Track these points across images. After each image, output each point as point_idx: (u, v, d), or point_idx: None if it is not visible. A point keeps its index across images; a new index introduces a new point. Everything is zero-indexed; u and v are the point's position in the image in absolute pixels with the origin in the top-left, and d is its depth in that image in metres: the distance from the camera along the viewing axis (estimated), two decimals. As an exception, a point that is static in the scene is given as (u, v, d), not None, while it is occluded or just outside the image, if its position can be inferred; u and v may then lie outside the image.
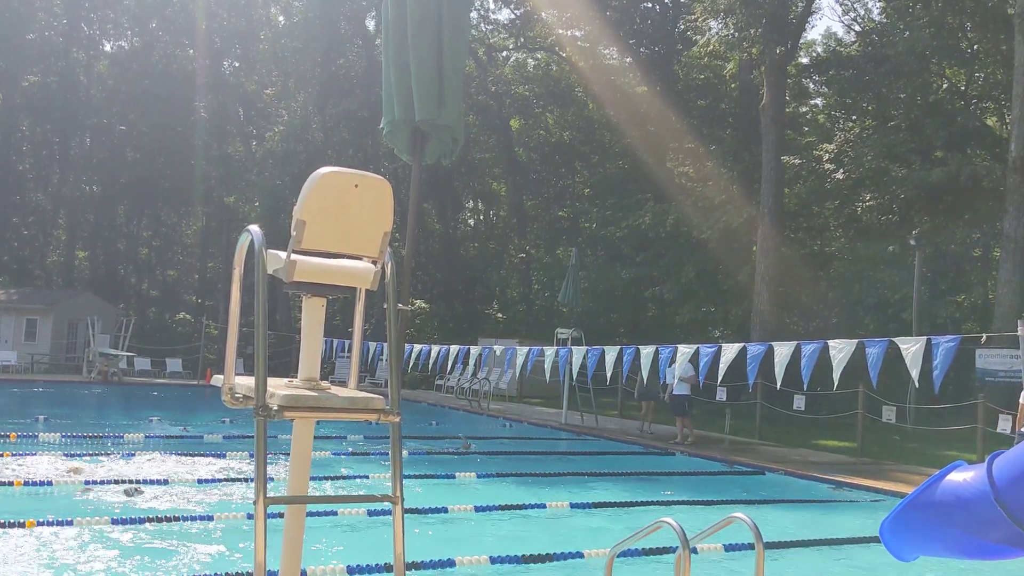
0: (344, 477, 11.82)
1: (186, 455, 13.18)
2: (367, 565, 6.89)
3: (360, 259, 2.94)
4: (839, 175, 29.02)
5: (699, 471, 14.75)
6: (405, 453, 10.52)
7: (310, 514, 6.20)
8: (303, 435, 2.93)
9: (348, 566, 6.88)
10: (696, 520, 8.21)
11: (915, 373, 12.59)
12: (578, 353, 19.91)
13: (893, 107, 29.67)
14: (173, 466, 12.34)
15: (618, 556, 5.28)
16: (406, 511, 3.15)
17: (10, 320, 33.52)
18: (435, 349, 23.31)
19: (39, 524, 8.13)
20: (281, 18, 42.49)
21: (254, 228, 2.81)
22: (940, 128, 26.76)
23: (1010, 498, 1.76)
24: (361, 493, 11.00)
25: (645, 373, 18.39)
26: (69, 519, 8.31)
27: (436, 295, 43.03)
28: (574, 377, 21.24)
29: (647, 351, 17.37)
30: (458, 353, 22.60)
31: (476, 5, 40.12)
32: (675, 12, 35.79)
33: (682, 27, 34.37)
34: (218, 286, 42.10)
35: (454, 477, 12.41)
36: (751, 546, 5.18)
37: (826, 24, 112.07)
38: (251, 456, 11.65)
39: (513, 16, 41.75)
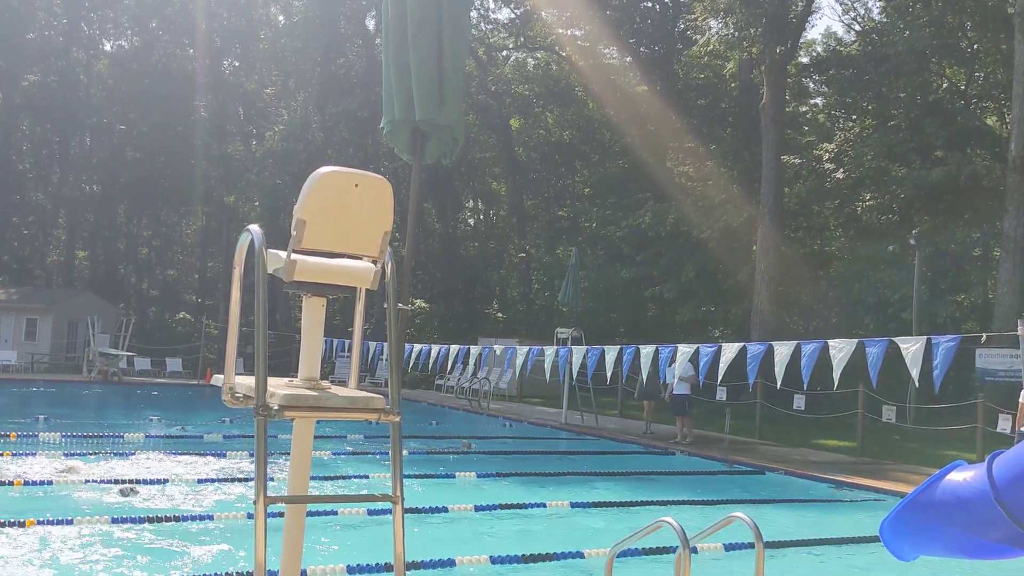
0: (344, 477, 11.82)
1: (186, 454, 13.18)
2: (367, 565, 6.88)
3: (360, 259, 2.94)
4: (839, 175, 29.01)
5: (699, 471, 14.75)
6: (405, 453, 10.52)
7: (310, 514, 6.20)
8: (303, 435, 2.93)
9: (348, 566, 6.88)
10: (696, 520, 8.23)
11: (915, 373, 12.59)
12: (578, 353, 19.91)
13: (893, 106, 29.68)
14: (173, 466, 12.34)
15: (618, 556, 5.28)
16: (406, 511, 3.15)
17: (10, 320, 33.52)
18: (435, 349, 23.32)
19: (39, 523, 8.13)
20: (281, 18, 42.50)
21: (254, 228, 2.81)
22: (940, 127, 26.76)
23: (1010, 497, 1.76)
24: (362, 493, 11.01)
25: (645, 373, 18.40)
26: (69, 518, 8.31)
27: (436, 295, 43.03)
28: (574, 377, 21.24)
29: (647, 351, 17.37)
30: (458, 353, 22.61)
31: (476, 4, 40.13)
32: (675, 11, 35.79)
33: (682, 26, 34.37)
34: (218, 286, 42.10)
35: (454, 477, 12.41)
36: (751, 545, 5.18)
37: (826, 23, 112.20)
38: (251, 456, 11.66)
39: (513, 15, 41.77)
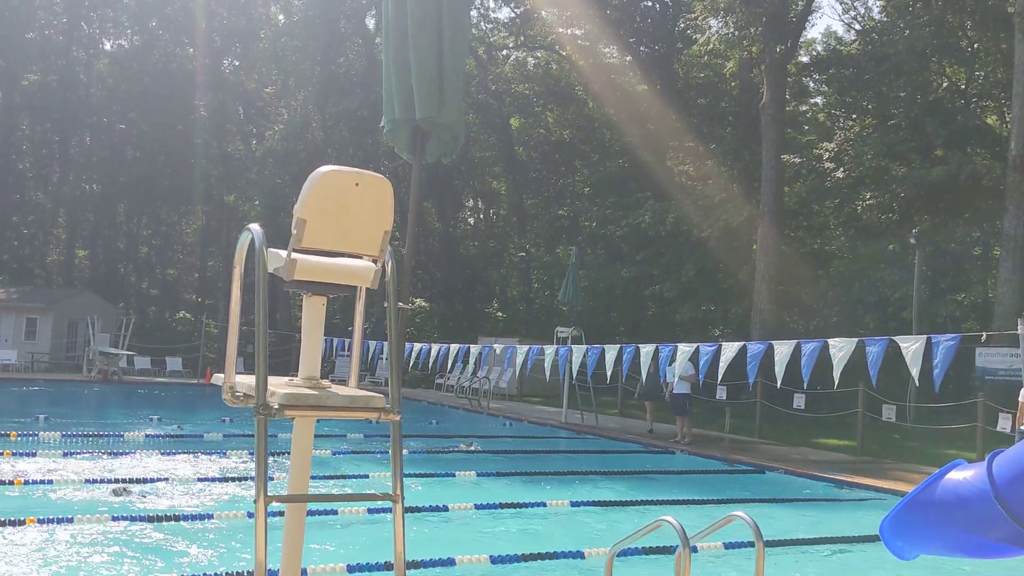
0: (344, 476, 11.82)
1: (186, 454, 13.19)
2: (367, 564, 6.89)
3: (360, 258, 2.94)
4: (839, 174, 29.01)
5: (699, 470, 14.75)
6: (405, 452, 10.53)
7: (310, 512, 6.21)
8: (303, 434, 2.93)
9: (348, 565, 6.88)
10: (696, 519, 8.22)
11: (915, 372, 12.60)
12: (578, 352, 19.91)
13: (893, 106, 29.67)
14: (173, 465, 12.34)
15: (618, 555, 5.28)
16: (406, 510, 3.16)
17: (10, 319, 33.52)
18: (435, 348, 23.33)
19: (39, 522, 8.13)
20: (281, 17, 42.49)
21: (254, 227, 2.81)
22: (940, 127, 26.75)
23: (1010, 496, 1.77)
24: (362, 492, 11.01)
25: (645, 372, 18.40)
26: (70, 517, 8.31)
27: (436, 294, 43.02)
28: (574, 376, 21.25)
29: (647, 350, 17.38)
30: (458, 352, 22.61)
31: (476, 4, 40.10)
32: (675, 11, 35.77)
33: (682, 26, 34.39)
34: (218, 285, 42.09)
35: (454, 476, 12.41)
36: (751, 545, 5.18)
37: (826, 23, 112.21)
38: (251, 455, 11.67)
39: (513, 15, 41.75)
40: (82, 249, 46.54)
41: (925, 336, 12.93)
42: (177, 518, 8.66)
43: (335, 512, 8.96)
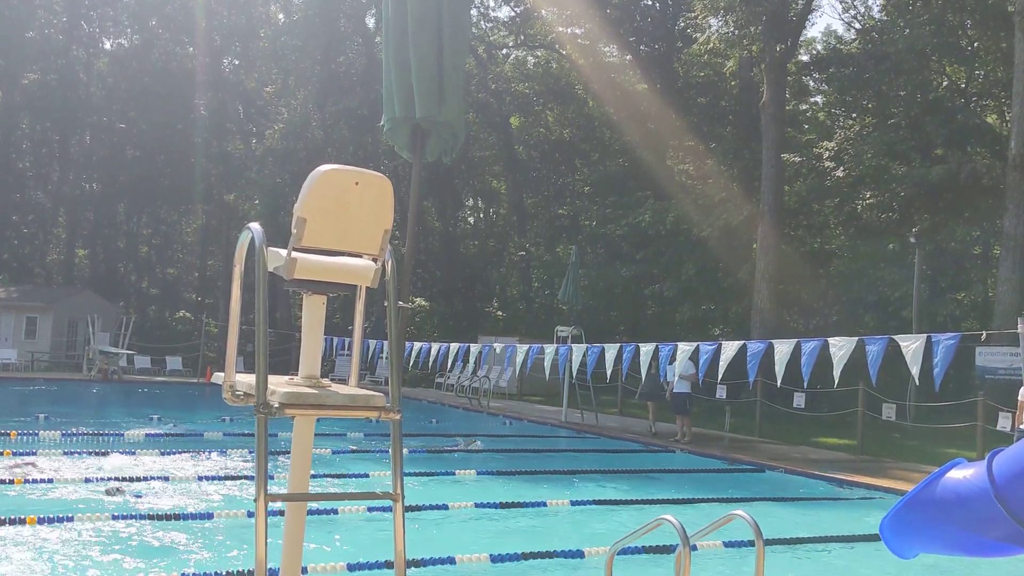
0: (345, 475, 11.82)
1: (186, 453, 13.19)
2: (368, 562, 6.89)
3: (360, 257, 2.94)
4: (839, 173, 29.01)
5: (699, 469, 14.75)
6: (405, 451, 10.54)
7: (311, 511, 6.21)
8: (304, 433, 2.93)
9: (348, 563, 6.88)
10: (696, 517, 8.22)
11: (915, 371, 12.59)
12: (578, 351, 19.91)
13: (893, 105, 29.67)
14: (173, 464, 12.34)
15: (618, 554, 5.28)
16: (407, 509, 3.16)
17: (10, 318, 33.53)
18: (435, 347, 23.33)
19: (40, 521, 8.13)
20: (281, 16, 42.48)
21: (255, 226, 2.81)
22: (940, 126, 26.75)
23: (1010, 495, 1.77)
24: (362, 491, 11.01)
25: (645, 372, 18.39)
26: (70, 516, 8.32)
27: (436, 293, 43.02)
28: (574, 375, 21.25)
29: (647, 349, 17.38)
30: (458, 351, 22.62)
31: (476, 2, 40.10)
32: (675, 10, 35.76)
33: (682, 25, 34.37)
34: (218, 284, 42.09)
35: (454, 474, 12.41)
36: (751, 543, 5.18)
37: (826, 22, 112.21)
38: (251, 453, 11.67)
39: (513, 14, 41.75)
40: (82, 248, 46.55)
41: (925, 335, 12.93)
42: (177, 517, 8.66)
43: (335, 511, 8.96)
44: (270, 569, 2.65)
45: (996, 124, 30.08)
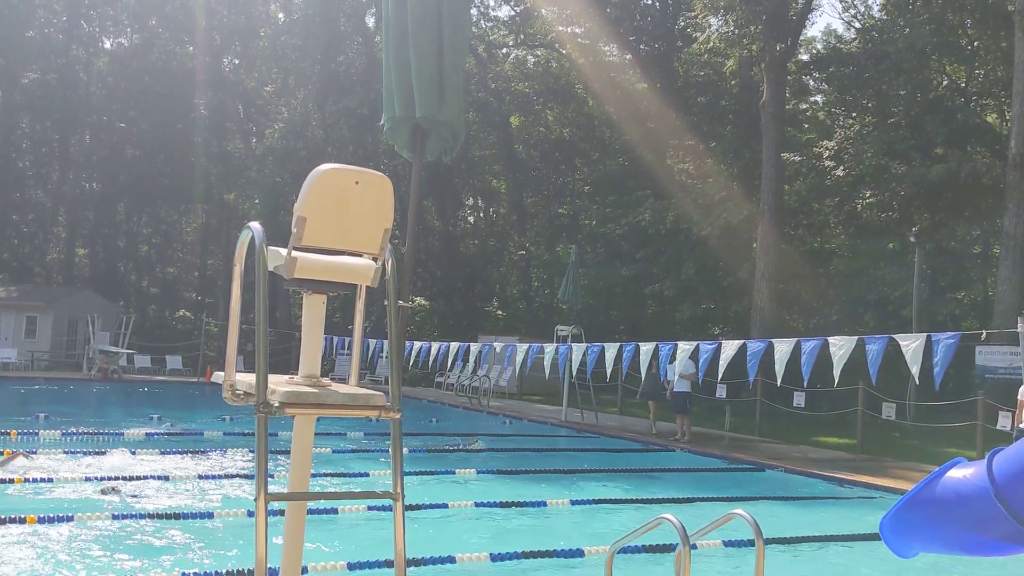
0: (345, 474, 11.82)
1: (186, 452, 13.18)
2: (368, 561, 6.89)
3: (360, 256, 2.94)
4: (839, 172, 29.01)
5: (699, 468, 14.75)
6: (405, 450, 10.54)
7: (311, 511, 6.21)
8: (304, 432, 2.93)
9: (349, 563, 6.88)
10: (696, 517, 8.22)
11: (915, 370, 12.60)
12: (578, 350, 19.91)
13: (893, 104, 29.67)
14: (173, 463, 12.34)
15: (618, 553, 5.28)
16: (407, 508, 3.16)
17: (10, 317, 33.52)
18: (435, 346, 23.34)
19: (40, 521, 8.13)
20: (281, 15, 42.45)
21: (255, 225, 2.81)
22: (940, 125, 26.75)
23: (1010, 494, 1.77)
24: (362, 490, 11.00)
25: (646, 371, 18.38)
26: (70, 515, 8.32)
27: (436, 292, 43.03)
28: (574, 374, 21.25)
29: (647, 348, 17.38)
30: (458, 350, 22.62)
31: (476, 2, 40.09)
32: (675, 9, 35.75)
33: (682, 24, 34.37)
34: (218, 283, 42.09)
35: (454, 473, 12.41)
36: (751, 543, 5.19)
37: (826, 21, 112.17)
38: (251, 453, 11.67)
39: (513, 13, 41.73)
40: (82, 247, 46.55)
41: (925, 334, 12.93)
42: (177, 516, 8.66)
43: (336, 510, 8.96)
44: (270, 568, 2.65)
45: (996, 123, 30.08)
